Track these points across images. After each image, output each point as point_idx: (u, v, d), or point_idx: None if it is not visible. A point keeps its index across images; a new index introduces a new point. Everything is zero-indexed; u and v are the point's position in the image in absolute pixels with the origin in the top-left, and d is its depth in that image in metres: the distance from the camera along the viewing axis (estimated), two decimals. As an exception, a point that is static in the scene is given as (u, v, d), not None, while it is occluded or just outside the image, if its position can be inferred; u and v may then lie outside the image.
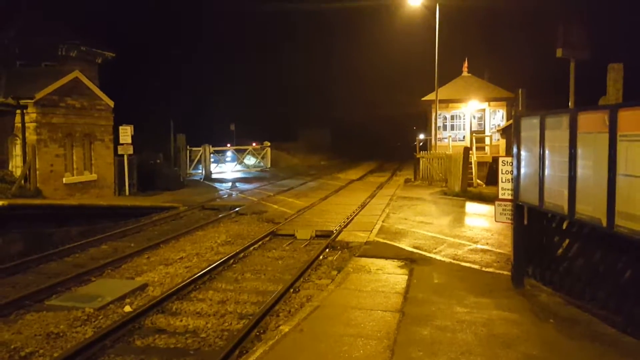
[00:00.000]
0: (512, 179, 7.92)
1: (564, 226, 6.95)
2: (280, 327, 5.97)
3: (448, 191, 21.51)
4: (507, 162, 8.34)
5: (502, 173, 8.45)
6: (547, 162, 6.65)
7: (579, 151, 5.78)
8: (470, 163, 23.66)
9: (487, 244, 11.25)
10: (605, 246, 6.02)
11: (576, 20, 15.68)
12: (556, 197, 6.34)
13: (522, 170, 7.51)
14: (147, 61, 44.12)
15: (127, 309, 7.94)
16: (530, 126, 7.19)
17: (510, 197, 8.20)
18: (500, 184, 8.48)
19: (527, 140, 7.30)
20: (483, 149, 28.18)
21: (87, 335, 6.86)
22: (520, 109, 7.78)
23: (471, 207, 17.31)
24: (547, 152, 6.65)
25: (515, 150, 7.70)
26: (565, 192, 6.04)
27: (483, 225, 13.64)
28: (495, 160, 19.92)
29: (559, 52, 14.80)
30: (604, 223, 5.26)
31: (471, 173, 23.70)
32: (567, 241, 6.97)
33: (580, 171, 5.77)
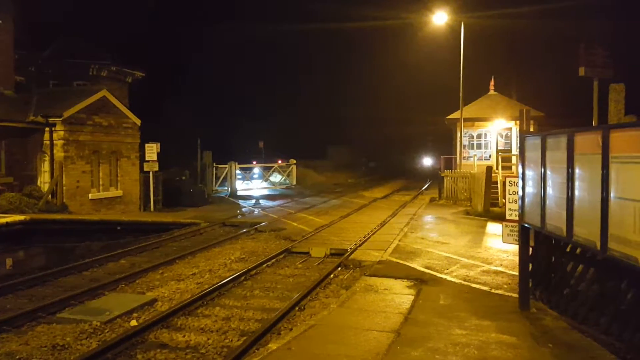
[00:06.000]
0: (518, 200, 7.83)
1: (568, 249, 6.82)
2: (269, 345, 6.01)
3: (471, 211, 21.26)
4: (514, 182, 8.25)
5: (509, 193, 8.36)
6: (548, 183, 6.56)
7: (576, 172, 5.70)
8: (496, 182, 23.32)
9: (501, 265, 11.06)
10: (606, 270, 5.88)
11: (599, 39, 15.50)
12: (556, 218, 6.24)
13: (527, 191, 7.42)
14: (175, 79, 45.23)
15: (133, 323, 8.09)
16: (533, 146, 7.12)
17: (517, 218, 8.09)
18: (508, 205, 8.38)
19: (531, 160, 7.22)
20: (510, 168, 27.71)
21: (91, 348, 7.02)
22: (524, 128, 7.71)
23: (492, 227, 17.01)
24: (548, 172, 6.57)
25: (520, 170, 7.63)
26: (564, 214, 5.94)
27: (500, 247, 13.37)
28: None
29: (581, 71, 14.65)
30: (598, 246, 5.15)
31: (496, 193, 23.31)
32: (571, 264, 6.84)
33: (576, 193, 5.68)
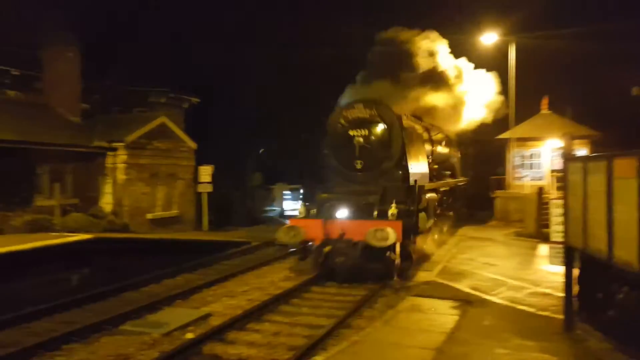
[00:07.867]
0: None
1: (612, 270, 6.84)
2: (315, 358, 6.34)
3: (522, 232, 20.92)
4: (558, 204, 8.32)
5: (553, 216, 8.43)
6: (589, 206, 6.66)
7: (615, 195, 5.81)
8: (547, 203, 22.89)
9: (550, 287, 10.95)
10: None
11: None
12: (597, 240, 6.33)
13: (571, 213, 7.50)
14: (229, 103, 46.53)
15: (190, 335, 8.61)
16: (576, 170, 7.23)
17: (562, 240, 8.14)
18: (552, 227, 8.47)
19: (574, 183, 7.32)
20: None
21: (153, 358, 7.54)
22: (568, 152, 7.82)
23: (543, 249, 16.75)
24: (589, 195, 6.67)
25: (564, 193, 7.72)
26: (605, 236, 6.04)
27: (550, 269, 13.23)
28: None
29: (634, 91, 14.48)
30: (637, 268, 5.25)
31: (547, 214, 22.88)
32: (615, 285, 6.85)
33: (615, 215, 5.78)
